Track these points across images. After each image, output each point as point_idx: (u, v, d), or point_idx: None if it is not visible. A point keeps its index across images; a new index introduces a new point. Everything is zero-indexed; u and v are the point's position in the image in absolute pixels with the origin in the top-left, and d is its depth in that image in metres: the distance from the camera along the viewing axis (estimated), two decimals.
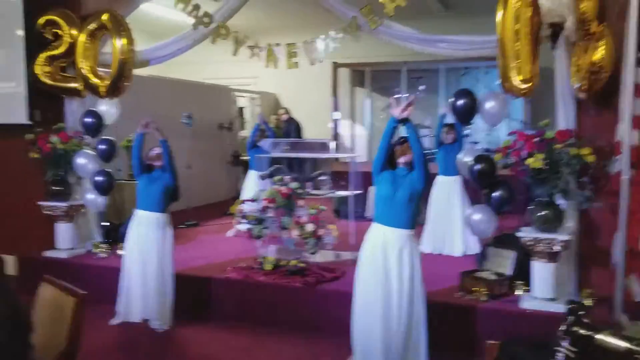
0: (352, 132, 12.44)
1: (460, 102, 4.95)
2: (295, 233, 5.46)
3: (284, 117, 11.51)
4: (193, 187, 8.76)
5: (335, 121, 11.89)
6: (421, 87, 11.35)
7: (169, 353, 4.64)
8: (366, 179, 9.45)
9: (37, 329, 2.68)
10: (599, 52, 4.18)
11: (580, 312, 1.86)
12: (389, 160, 3.84)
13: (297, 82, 12.72)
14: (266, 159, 6.48)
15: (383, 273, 3.74)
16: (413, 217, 3.84)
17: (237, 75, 12.22)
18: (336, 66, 11.60)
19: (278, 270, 5.36)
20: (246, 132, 12.87)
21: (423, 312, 3.88)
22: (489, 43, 4.91)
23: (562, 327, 1.85)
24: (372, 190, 8.91)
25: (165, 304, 4.91)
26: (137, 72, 7.34)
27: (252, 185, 7.26)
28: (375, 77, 12.40)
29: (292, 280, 5.17)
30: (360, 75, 12.27)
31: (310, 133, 11.93)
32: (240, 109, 12.95)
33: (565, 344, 1.79)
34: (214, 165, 9.04)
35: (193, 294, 5.31)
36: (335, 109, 11.88)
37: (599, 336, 1.78)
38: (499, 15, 4.58)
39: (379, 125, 12.66)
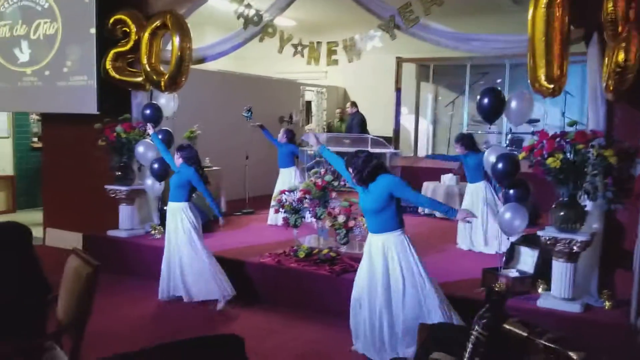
0: (416, 126, 12.47)
1: (486, 100, 4.99)
2: (327, 223, 5.73)
3: (350, 110, 11.77)
4: (251, 177, 9.24)
5: (397, 116, 11.97)
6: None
7: (198, 329, 5.02)
8: (422, 174, 9.57)
9: (61, 294, 3.12)
10: (624, 53, 4.12)
11: (496, 301, 2.00)
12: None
13: (364, 76, 12.94)
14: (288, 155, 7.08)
15: (373, 274, 4.15)
16: (392, 219, 4.09)
17: (308, 69, 12.64)
18: (400, 61, 11.66)
19: (310, 258, 5.64)
20: (312, 125, 13.27)
21: (432, 295, 4.08)
22: (523, 42, 4.90)
23: (478, 313, 2.01)
24: (426, 186, 9.04)
25: (190, 283, 5.38)
26: (204, 66, 7.85)
27: (282, 180, 7.85)
28: (440, 72, 12.36)
29: (321, 268, 5.43)
30: (427, 70, 12.28)
31: (375, 127, 12.13)
32: (308, 102, 13.33)
33: (478, 328, 1.94)
34: (273, 157, 9.41)
35: (229, 276, 5.68)
36: (398, 103, 11.96)
37: (506, 324, 1.92)
38: (529, 14, 4.61)
39: (444, 120, 12.65)
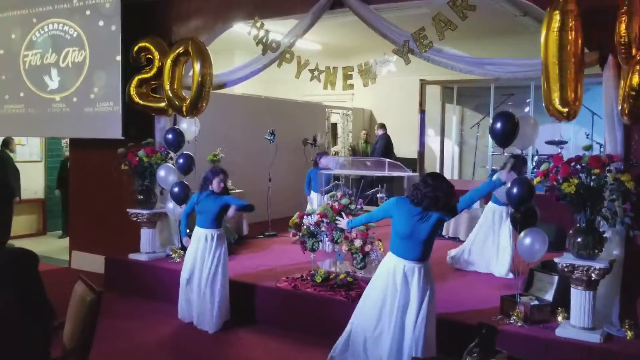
0: (441, 148, 12.38)
1: (499, 125, 4.93)
2: (344, 248, 5.71)
3: (377, 132, 11.82)
4: (275, 200, 9.28)
5: (422, 137, 11.93)
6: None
7: (213, 354, 5.04)
8: None
9: (67, 320, 3.18)
10: (638, 76, 4.03)
11: (486, 336, 1.96)
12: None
13: (389, 98, 12.96)
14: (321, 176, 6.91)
15: (390, 300, 4.03)
16: (428, 251, 4.06)
17: (334, 92, 12.72)
18: (423, 83, 11.64)
19: (327, 283, 5.61)
20: (338, 148, 13.30)
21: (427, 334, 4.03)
22: (538, 66, 4.84)
23: (468, 348, 1.97)
24: None
25: (212, 310, 5.39)
26: (229, 90, 7.96)
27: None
28: (464, 94, 12.27)
29: (337, 293, 5.40)
30: (451, 91, 12.22)
31: (401, 149, 12.11)
32: (334, 124, 13.38)
33: None
34: (297, 179, 9.54)
35: (245, 300, 5.71)
36: (423, 125, 11.91)
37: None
38: (542, 37, 4.57)
39: (470, 142, 12.52)
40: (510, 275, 6.13)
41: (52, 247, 9.40)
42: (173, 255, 6.81)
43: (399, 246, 4.03)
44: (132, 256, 6.89)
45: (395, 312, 3.99)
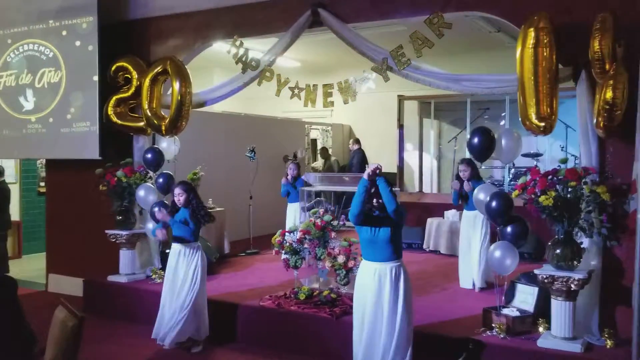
0: (420, 162, 12.50)
1: (476, 140, 5.01)
2: (327, 264, 5.71)
3: (352, 147, 11.89)
4: (257, 217, 9.25)
5: (400, 152, 12.05)
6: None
7: None
8: (426, 211, 9.54)
9: (48, 346, 3.13)
10: (612, 91, 4.14)
11: (472, 350, 1.99)
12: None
13: (368, 114, 13.05)
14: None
15: (374, 301, 4.15)
16: (397, 250, 4.21)
17: (314, 108, 12.76)
18: (401, 99, 11.77)
19: (310, 300, 5.60)
20: (318, 164, 13.34)
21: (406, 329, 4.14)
22: (514, 81, 4.92)
23: None
24: (431, 222, 9.00)
25: (194, 327, 5.33)
26: (209, 108, 7.95)
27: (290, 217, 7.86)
28: (441, 108, 12.43)
29: (321, 310, 5.39)
30: (428, 106, 12.37)
31: (381, 164, 12.13)
32: (313, 140, 13.44)
33: None
34: (278, 196, 9.55)
35: (229, 319, 5.67)
36: (401, 140, 12.04)
37: None
38: (517, 53, 4.66)
39: (448, 155, 12.66)
40: (484, 285, 6.23)
41: (28, 270, 9.22)
42: (153, 276, 6.74)
43: (367, 251, 4.26)
44: (111, 278, 6.80)
45: (377, 313, 4.14)
